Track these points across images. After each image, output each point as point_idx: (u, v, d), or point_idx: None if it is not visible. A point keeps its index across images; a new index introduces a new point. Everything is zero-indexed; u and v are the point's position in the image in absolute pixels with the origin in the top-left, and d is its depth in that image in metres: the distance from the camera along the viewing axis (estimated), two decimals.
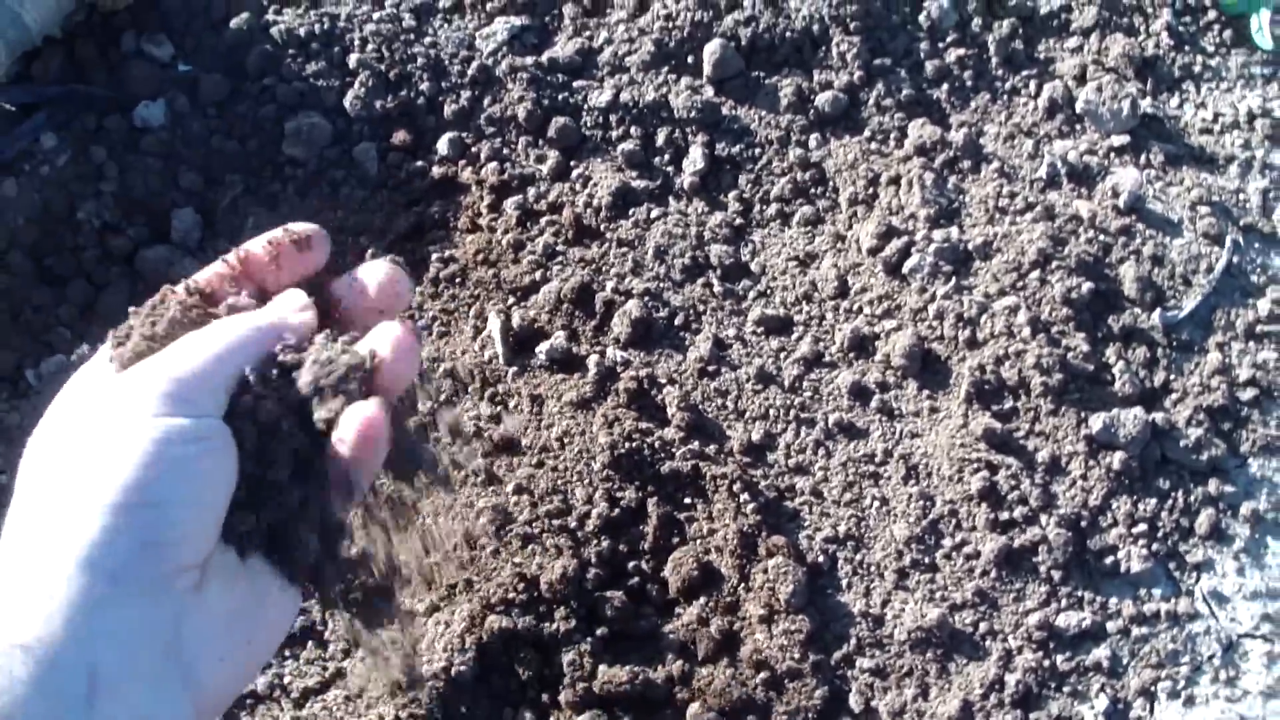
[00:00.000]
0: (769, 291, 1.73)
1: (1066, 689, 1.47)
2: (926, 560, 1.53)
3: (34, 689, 0.57)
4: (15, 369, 1.73)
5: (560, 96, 1.86)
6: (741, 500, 1.55)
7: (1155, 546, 1.53)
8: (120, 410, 0.64)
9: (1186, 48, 1.90)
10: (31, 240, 1.81)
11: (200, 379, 0.66)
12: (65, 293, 1.79)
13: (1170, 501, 1.55)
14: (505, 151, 1.83)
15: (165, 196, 1.85)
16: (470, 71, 1.87)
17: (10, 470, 1.60)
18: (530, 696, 1.45)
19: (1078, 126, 1.83)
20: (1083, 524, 1.53)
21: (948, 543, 1.53)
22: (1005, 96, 1.86)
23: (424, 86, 1.87)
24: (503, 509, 1.55)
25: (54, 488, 0.63)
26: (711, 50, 1.84)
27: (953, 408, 1.61)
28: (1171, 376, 1.63)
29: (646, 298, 1.70)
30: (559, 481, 1.56)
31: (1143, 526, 1.53)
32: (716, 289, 1.72)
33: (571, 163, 1.83)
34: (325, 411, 0.69)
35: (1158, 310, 1.66)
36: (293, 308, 0.73)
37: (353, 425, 0.69)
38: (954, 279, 1.68)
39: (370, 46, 1.89)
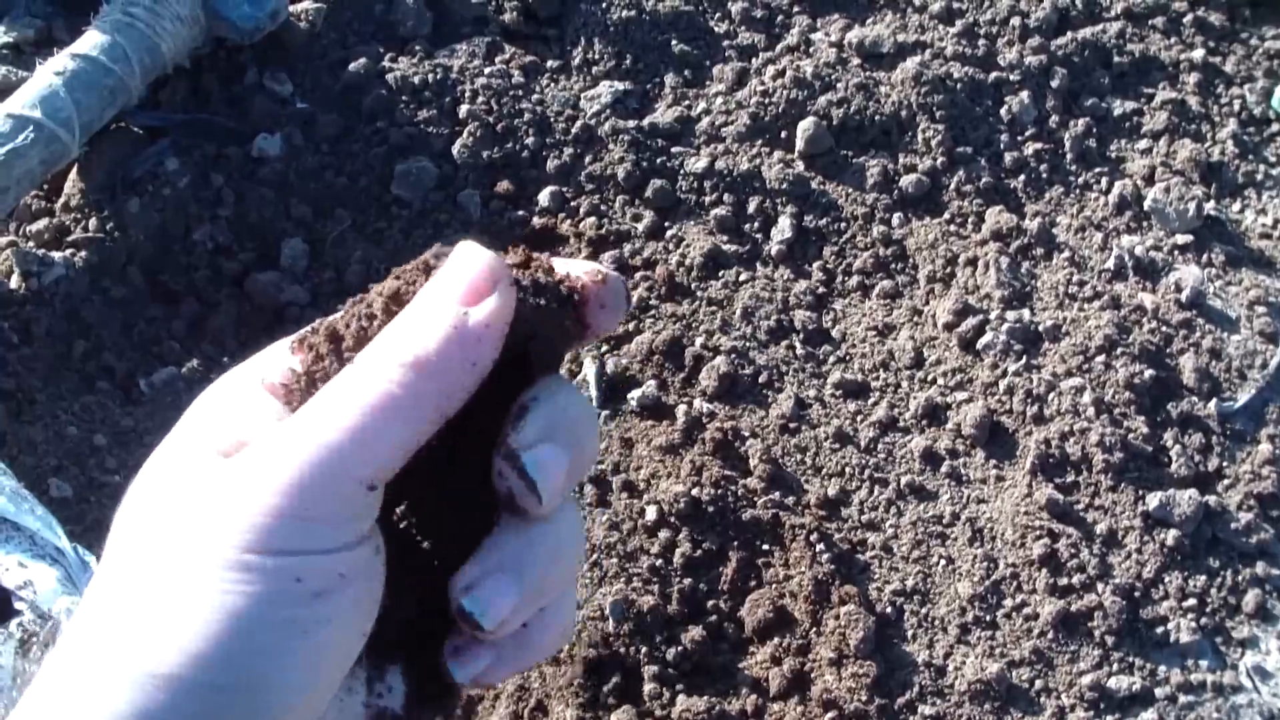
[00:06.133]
0: (848, 357, 1.95)
1: None
2: (988, 618, 1.73)
3: None
4: (129, 377, 1.94)
5: (658, 160, 2.09)
6: (817, 550, 1.76)
7: (1203, 620, 1.74)
8: (209, 531, 0.47)
9: (1250, 156, 2.14)
10: (149, 257, 2.03)
11: (339, 477, 0.47)
12: (177, 309, 2.01)
13: (1219, 579, 1.76)
14: (603, 208, 2.06)
15: (277, 225, 2.07)
16: (574, 130, 2.11)
17: (124, 487, 1.80)
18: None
19: (1145, 223, 2.07)
20: (1136, 594, 1.74)
21: (1008, 603, 1.74)
22: (1078, 190, 2.10)
23: (529, 141, 2.11)
24: (593, 544, 1.75)
25: (107, 619, 0.48)
26: (804, 127, 2.09)
27: (1018, 477, 1.82)
28: (1225, 463, 1.85)
29: (733, 355, 1.92)
30: (646, 521, 1.77)
31: (1192, 601, 1.74)
32: (799, 351, 1.94)
33: (666, 223, 2.06)
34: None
35: (1214, 400, 1.88)
36: (471, 285, 0.50)
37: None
38: (1024, 358, 1.90)
39: (480, 99, 2.13)
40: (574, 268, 0.54)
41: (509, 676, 0.57)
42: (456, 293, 0.49)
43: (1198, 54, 2.24)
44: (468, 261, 0.50)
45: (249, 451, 0.48)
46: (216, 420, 0.51)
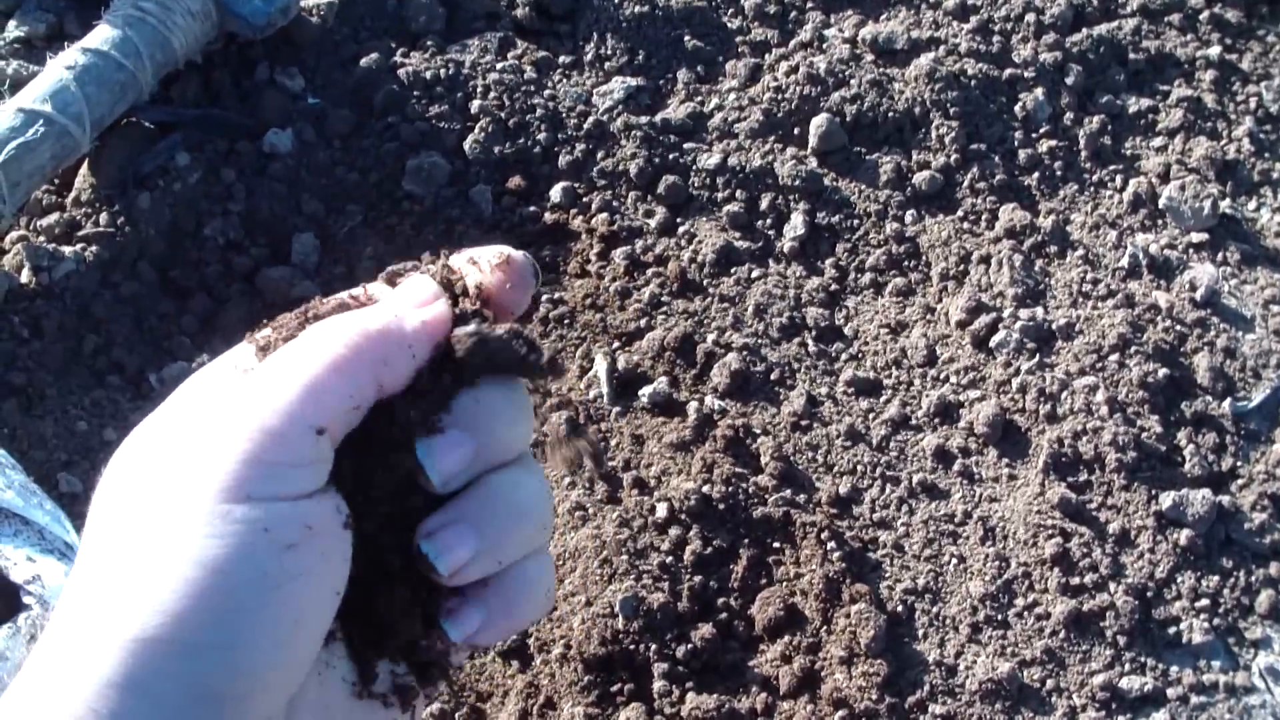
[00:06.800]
0: (860, 355, 1.95)
1: None
2: (999, 617, 1.73)
3: None
4: (139, 373, 1.95)
5: (670, 156, 2.09)
6: (828, 548, 1.75)
7: (1216, 621, 1.73)
8: (189, 482, 0.49)
9: (1266, 154, 2.14)
10: (159, 252, 2.03)
11: (295, 422, 0.50)
12: (188, 304, 2.01)
13: (1232, 580, 1.76)
14: (615, 204, 2.06)
15: (287, 220, 2.07)
16: (586, 126, 2.11)
17: None
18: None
19: (1159, 221, 2.06)
20: (1149, 594, 1.74)
21: (1020, 602, 1.74)
22: (1092, 188, 2.10)
23: (541, 136, 2.11)
24: (603, 540, 1.75)
25: (92, 587, 0.49)
26: (818, 124, 2.08)
27: (1030, 476, 1.82)
28: (1239, 463, 1.84)
29: (745, 352, 1.92)
30: (656, 518, 1.77)
31: (1205, 601, 1.74)
32: (811, 349, 1.94)
33: (678, 220, 2.06)
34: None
35: (1228, 399, 1.88)
36: (416, 300, 0.57)
37: None
38: (1037, 356, 1.90)
39: (492, 95, 2.13)
40: (479, 260, 0.59)
41: (498, 639, 0.60)
42: (404, 299, 0.57)
43: (1214, 51, 2.23)
44: (419, 283, 0.58)
45: (216, 407, 0.52)
46: (195, 401, 0.54)
